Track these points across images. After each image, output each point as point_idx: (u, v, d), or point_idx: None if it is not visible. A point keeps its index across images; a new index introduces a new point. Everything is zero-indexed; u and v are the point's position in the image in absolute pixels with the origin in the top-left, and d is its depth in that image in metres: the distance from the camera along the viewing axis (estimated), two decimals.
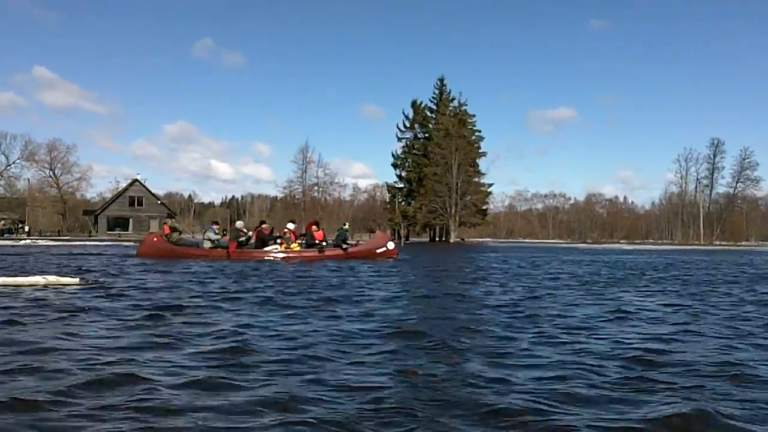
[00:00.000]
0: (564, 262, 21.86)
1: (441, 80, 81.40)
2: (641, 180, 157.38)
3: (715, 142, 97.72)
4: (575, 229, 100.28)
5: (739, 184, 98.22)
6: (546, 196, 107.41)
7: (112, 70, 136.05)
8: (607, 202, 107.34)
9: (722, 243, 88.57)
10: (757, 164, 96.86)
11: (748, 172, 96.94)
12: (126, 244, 45.29)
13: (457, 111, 78.94)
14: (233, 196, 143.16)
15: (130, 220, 78.37)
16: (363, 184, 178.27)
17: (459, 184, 74.75)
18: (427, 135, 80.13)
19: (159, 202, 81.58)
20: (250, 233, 20.93)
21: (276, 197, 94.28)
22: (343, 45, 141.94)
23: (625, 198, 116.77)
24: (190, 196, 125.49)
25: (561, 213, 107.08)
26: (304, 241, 20.81)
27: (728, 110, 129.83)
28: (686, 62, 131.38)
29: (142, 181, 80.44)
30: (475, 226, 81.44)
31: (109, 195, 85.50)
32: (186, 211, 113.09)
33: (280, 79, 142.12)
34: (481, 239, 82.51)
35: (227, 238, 21.05)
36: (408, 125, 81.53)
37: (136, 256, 19.61)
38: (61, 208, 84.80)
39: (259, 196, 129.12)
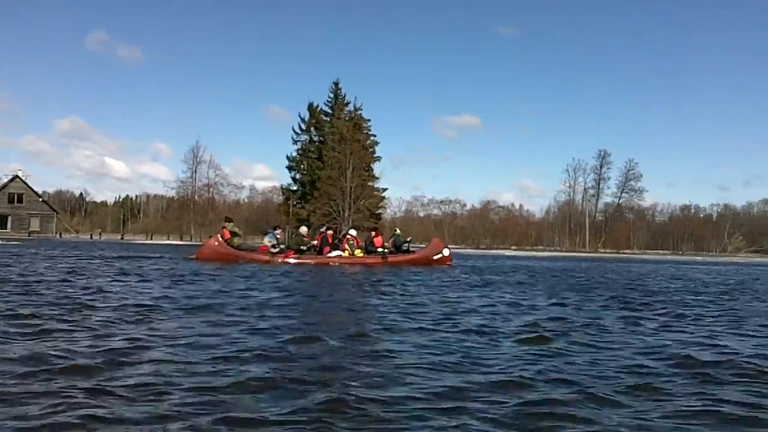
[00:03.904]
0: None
1: (336, 84, 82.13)
2: (539, 188, 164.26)
3: (602, 153, 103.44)
4: (469, 234, 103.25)
5: (623, 194, 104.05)
6: (442, 201, 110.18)
7: (1, 61, 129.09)
8: (500, 210, 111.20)
9: (606, 251, 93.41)
10: (641, 175, 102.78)
11: (632, 183, 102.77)
12: None
13: (353, 115, 79.92)
14: (127, 195, 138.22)
15: (9, 217, 75.00)
16: (264, 185, 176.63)
17: (353, 188, 75.66)
18: (322, 138, 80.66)
19: (41, 199, 78.55)
20: (314, 241, 21.07)
21: (173, 198, 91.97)
22: (248, 44, 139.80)
23: (520, 206, 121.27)
24: (81, 194, 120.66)
25: (458, 219, 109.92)
26: (364, 248, 21.20)
27: (618, 121, 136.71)
28: (588, 73, 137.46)
29: (24, 178, 77.22)
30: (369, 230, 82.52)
31: None
32: (77, 210, 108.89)
33: (182, 76, 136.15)
34: None
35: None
36: (304, 128, 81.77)
37: (195, 260, 19.46)
38: None
39: (155, 196, 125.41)
